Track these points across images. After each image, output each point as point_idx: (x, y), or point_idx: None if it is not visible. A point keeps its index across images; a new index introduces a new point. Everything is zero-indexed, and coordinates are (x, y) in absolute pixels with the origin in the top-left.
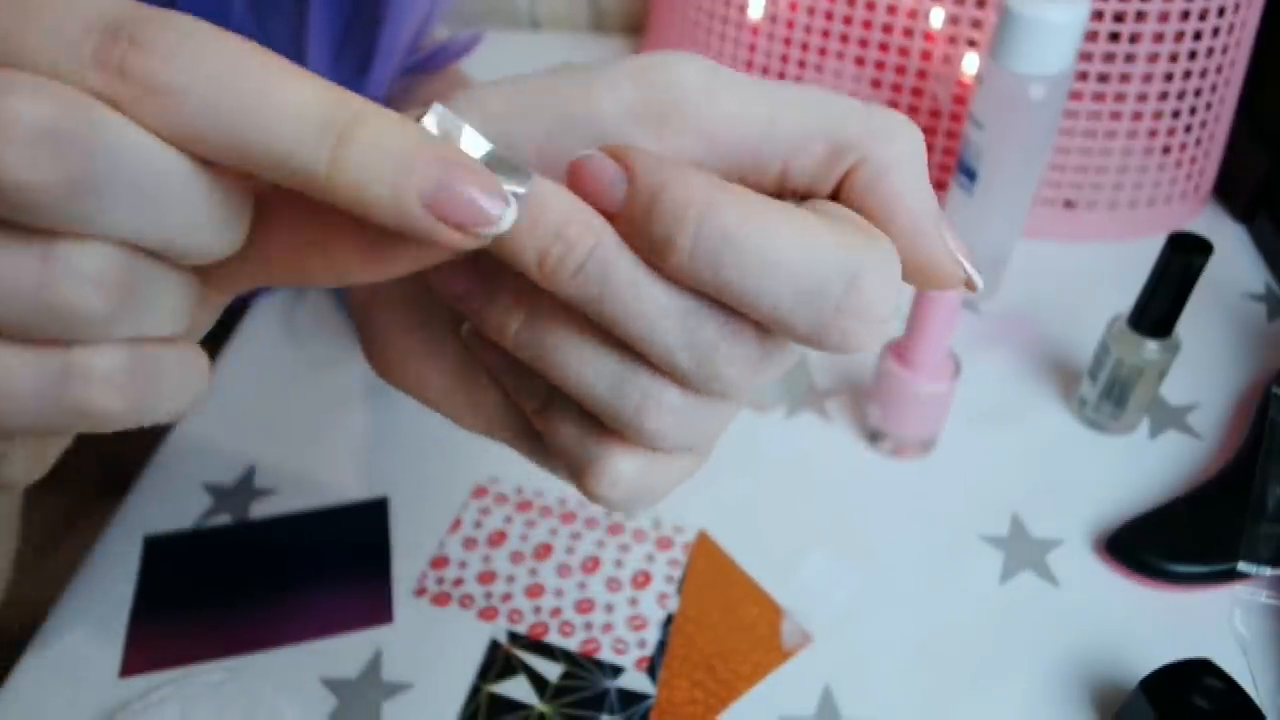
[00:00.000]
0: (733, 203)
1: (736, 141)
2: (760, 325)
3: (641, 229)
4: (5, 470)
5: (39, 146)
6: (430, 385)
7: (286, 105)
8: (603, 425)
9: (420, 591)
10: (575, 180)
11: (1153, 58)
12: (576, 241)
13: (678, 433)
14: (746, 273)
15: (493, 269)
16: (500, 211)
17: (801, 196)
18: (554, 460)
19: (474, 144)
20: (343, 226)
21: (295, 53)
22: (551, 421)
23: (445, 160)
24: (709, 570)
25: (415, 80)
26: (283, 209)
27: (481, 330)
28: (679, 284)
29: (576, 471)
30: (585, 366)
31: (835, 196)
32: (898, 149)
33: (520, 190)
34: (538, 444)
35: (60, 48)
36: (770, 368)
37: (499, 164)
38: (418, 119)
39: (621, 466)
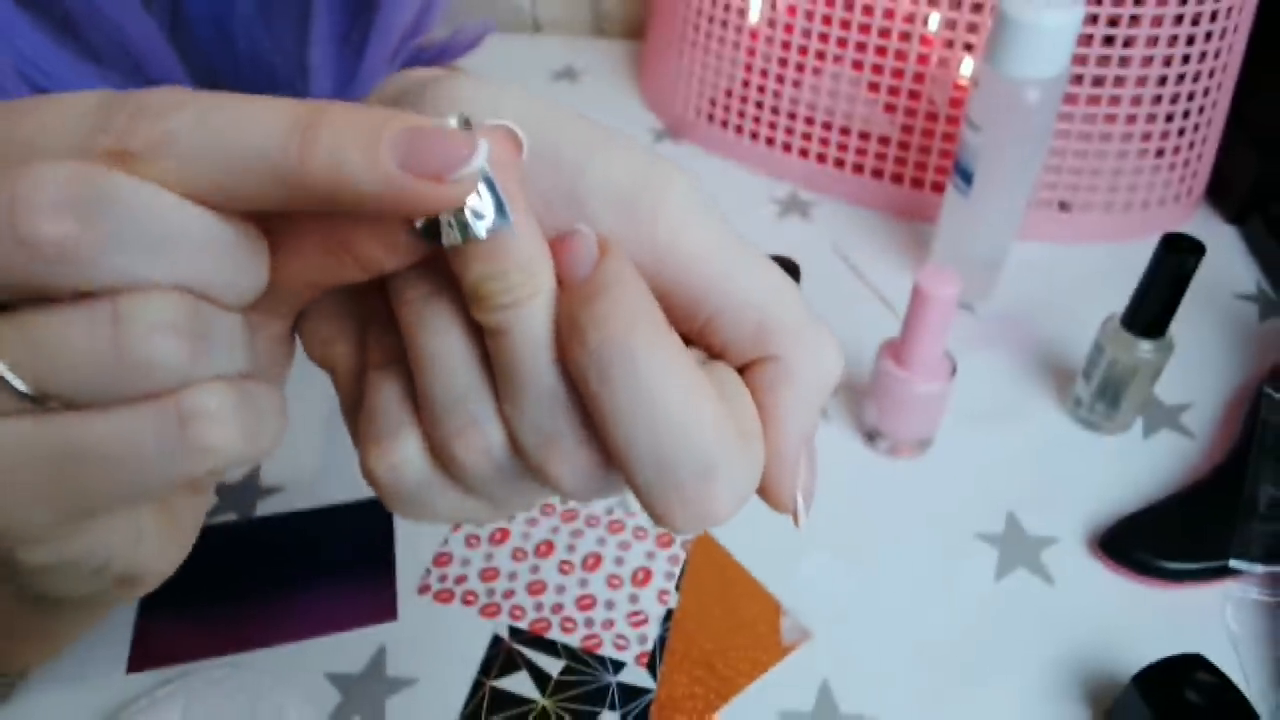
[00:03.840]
0: (658, 340)
1: (680, 274)
2: (608, 456)
3: (572, 308)
4: (141, 555)
5: (63, 207)
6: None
7: (257, 121)
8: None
9: (424, 588)
10: (560, 243)
11: (1146, 61)
12: (516, 286)
13: (479, 473)
14: (623, 401)
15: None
16: (470, 152)
17: (711, 355)
18: (355, 419)
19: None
20: (350, 232)
21: (299, 39)
22: (380, 381)
23: (407, 123)
24: (708, 567)
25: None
26: (291, 237)
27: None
28: (569, 371)
29: (370, 438)
30: (446, 362)
31: (739, 370)
32: (813, 367)
33: (504, 223)
34: (353, 395)
35: (66, 134)
36: (595, 491)
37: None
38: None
39: (413, 459)
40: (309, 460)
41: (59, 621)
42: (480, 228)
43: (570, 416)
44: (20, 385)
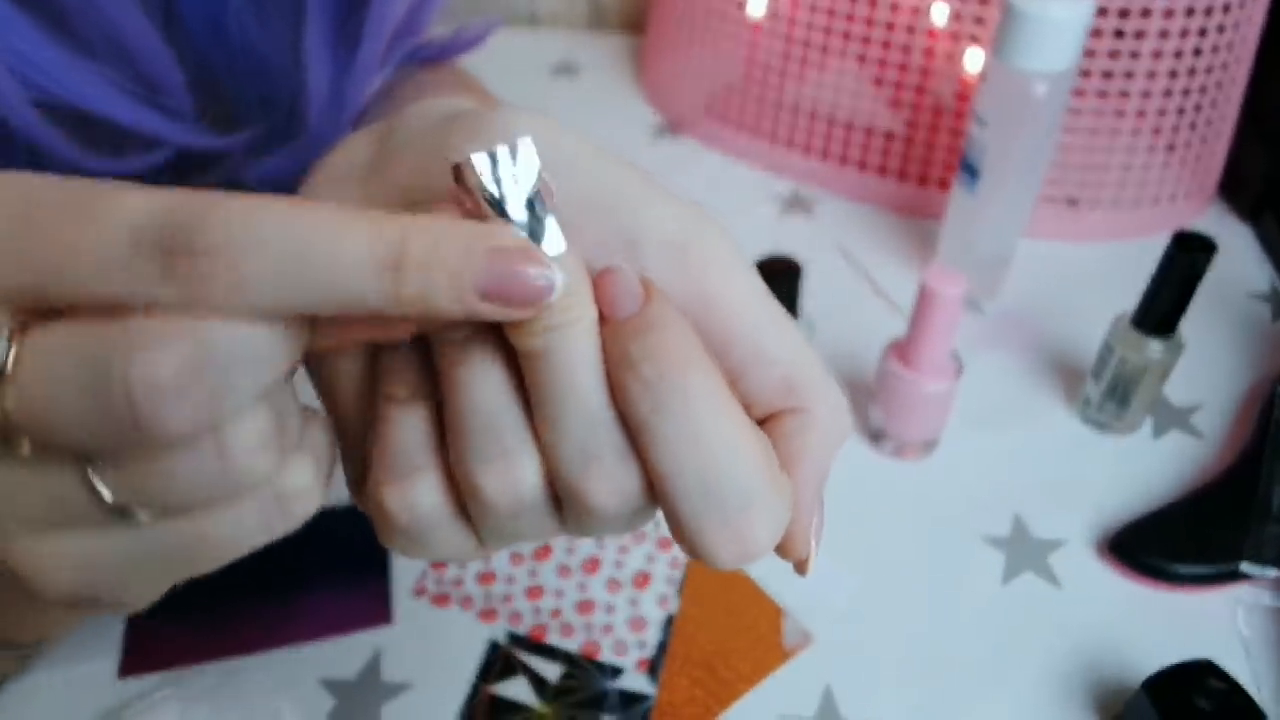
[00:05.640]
0: (711, 375)
1: (719, 324)
2: (647, 481)
3: (624, 340)
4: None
5: (183, 388)
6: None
7: (342, 261)
8: (445, 450)
9: (420, 591)
10: (601, 279)
11: (1157, 55)
12: (560, 311)
13: (501, 508)
14: (674, 430)
15: None
16: (550, 282)
17: None
18: (355, 443)
19: (525, 172)
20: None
21: (293, 35)
22: (401, 416)
23: (490, 254)
24: (709, 570)
25: (416, 70)
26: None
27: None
28: (615, 398)
29: (387, 472)
30: (484, 394)
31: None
32: (833, 422)
33: (552, 254)
34: (353, 428)
35: (118, 271)
36: (626, 515)
37: (535, 204)
38: (488, 150)
39: (431, 497)
40: None
41: None
42: (559, 279)
43: (611, 438)
44: (114, 501)
